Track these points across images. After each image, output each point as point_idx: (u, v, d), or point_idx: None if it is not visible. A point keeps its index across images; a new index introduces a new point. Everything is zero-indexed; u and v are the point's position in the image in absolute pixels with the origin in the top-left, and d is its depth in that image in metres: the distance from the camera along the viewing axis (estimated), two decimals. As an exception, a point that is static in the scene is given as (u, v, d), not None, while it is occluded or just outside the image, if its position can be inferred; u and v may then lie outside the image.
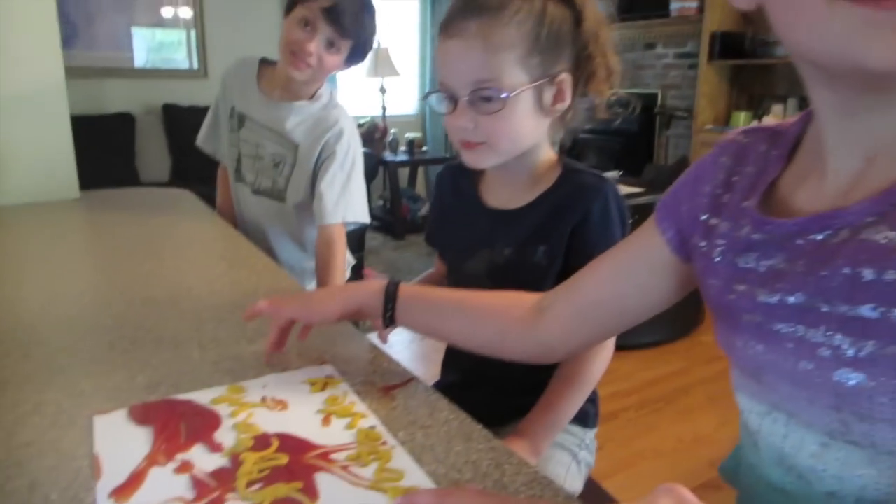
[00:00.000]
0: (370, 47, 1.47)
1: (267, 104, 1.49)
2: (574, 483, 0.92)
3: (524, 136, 0.85)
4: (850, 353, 0.44)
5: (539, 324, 0.74)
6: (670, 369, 2.59)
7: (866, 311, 0.43)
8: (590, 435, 0.99)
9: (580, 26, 0.83)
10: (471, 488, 0.56)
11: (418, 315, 0.80)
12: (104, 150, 4.04)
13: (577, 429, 0.96)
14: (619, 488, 1.04)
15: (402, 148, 4.96)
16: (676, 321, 2.85)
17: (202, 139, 1.66)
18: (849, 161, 0.47)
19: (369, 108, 5.16)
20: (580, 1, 0.83)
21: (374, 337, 0.91)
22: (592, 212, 0.85)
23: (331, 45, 1.38)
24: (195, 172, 3.35)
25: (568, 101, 0.85)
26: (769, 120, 3.98)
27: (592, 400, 1.00)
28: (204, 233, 1.56)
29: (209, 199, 1.79)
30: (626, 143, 4.85)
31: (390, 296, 0.79)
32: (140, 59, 4.60)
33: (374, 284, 0.80)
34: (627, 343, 2.75)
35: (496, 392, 0.96)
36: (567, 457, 0.93)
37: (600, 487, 1.03)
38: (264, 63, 1.54)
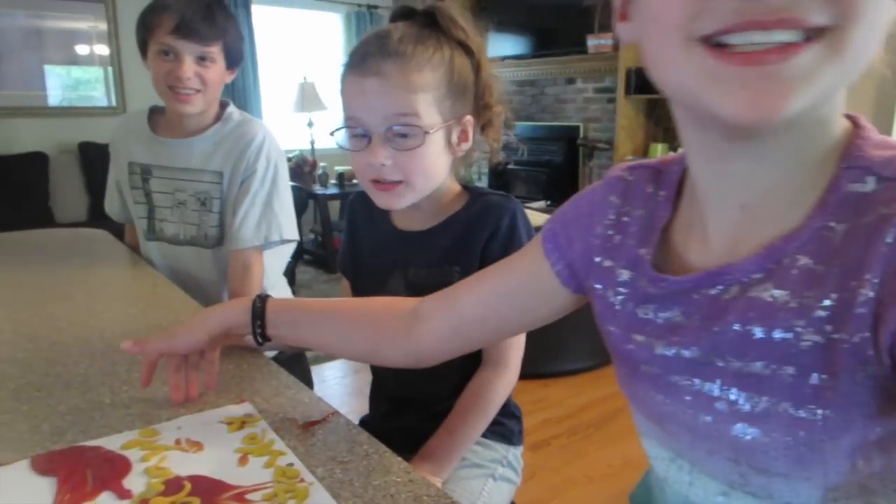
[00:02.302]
0: (242, 39, 1.38)
1: (172, 145, 1.39)
2: (493, 500, 0.93)
3: (437, 173, 0.88)
4: (746, 407, 0.45)
5: (413, 333, 0.74)
6: (599, 395, 2.64)
7: (758, 367, 0.44)
8: (514, 452, 1.00)
9: (479, 76, 0.89)
10: None
11: (289, 328, 0.79)
12: (16, 191, 3.87)
13: (499, 445, 0.98)
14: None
15: (333, 181, 4.94)
16: (603, 347, 2.91)
17: (109, 206, 1.58)
18: (725, 210, 0.48)
19: (298, 143, 5.14)
20: (478, 53, 0.89)
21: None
22: (501, 227, 0.88)
23: (202, 59, 1.29)
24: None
25: (471, 142, 0.90)
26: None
27: (517, 417, 1.03)
28: (119, 273, 1.50)
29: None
30: (553, 174, 5.00)
31: (258, 312, 0.78)
32: (55, 97, 4.45)
33: (241, 302, 0.79)
34: (556, 370, 2.80)
35: (424, 418, 0.96)
36: (483, 474, 0.94)
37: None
38: (155, 111, 1.46)
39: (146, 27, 1.29)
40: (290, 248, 1.46)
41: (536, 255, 0.65)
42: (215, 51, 1.30)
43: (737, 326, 0.45)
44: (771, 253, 0.45)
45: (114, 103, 4.64)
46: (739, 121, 0.39)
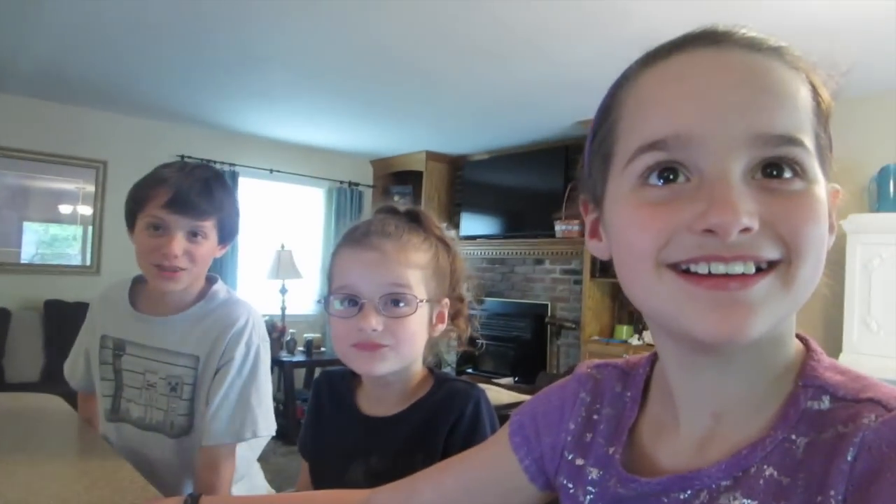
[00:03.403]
0: (238, 214, 1.31)
1: (150, 322, 1.29)
2: None
3: (418, 346, 0.92)
4: None
5: None
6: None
7: None
8: None
9: (454, 269, 0.97)
10: None
11: None
12: (-29, 345, 3.74)
13: None
14: None
15: (300, 348, 4.89)
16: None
17: (69, 372, 1.46)
18: (698, 418, 0.51)
19: (269, 308, 5.15)
20: (453, 250, 0.98)
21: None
22: (465, 414, 0.89)
23: (194, 235, 1.21)
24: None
25: (445, 324, 0.96)
26: (649, 335, 4.27)
27: None
28: (67, 444, 1.42)
29: None
30: (521, 351, 5.03)
31: None
32: (27, 253, 4.48)
33: (171, 501, 0.74)
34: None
35: None
36: None
37: None
38: (138, 280, 1.36)
39: (137, 200, 1.23)
40: (266, 438, 1.35)
41: (502, 450, 0.65)
42: (208, 226, 1.23)
43: None
44: (738, 461, 0.46)
45: (88, 262, 4.67)
46: (711, 339, 0.43)
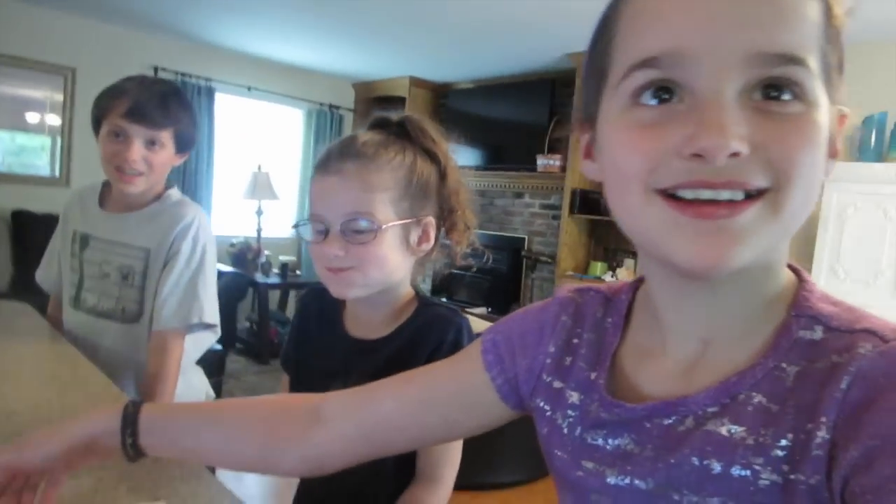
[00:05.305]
0: (195, 127, 1.42)
1: (111, 218, 1.42)
2: None
3: (392, 268, 0.89)
4: None
5: (312, 436, 0.67)
6: (531, 511, 2.57)
7: (715, 502, 0.44)
8: None
9: (444, 181, 0.93)
10: None
11: (167, 436, 0.68)
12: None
13: None
14: None
15: (276, 270, 4.88)
16: (535, 459, 2.84)
17: (42, 275, 1.56)
18: (685, 344, 0.51)
19: (244, 229, 5.10)
20: (444, 161, 0.93)
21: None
22: (445, 342, 0.88)
23: (151, 143, 1.32)
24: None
25: (432, 243, 0.92)
26: (622, 272, 4.34)
27: None
28: (37, 351, 1.41)
29: None
30: (495, 282, 5.08)
31: (129, 418, 0.67)
32: (-7, 161, 4.33)
33: (108, 409, 0.68)
34: (483, 482, 2.71)
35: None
36: None
37: None
38: (106, 184, 1.47)
39: (101, 107, 1.32)
40: (209, 338, 1.44)
41: (473, 366, 0.63)
42: (165, 136, 1.33)
43: (695, 460, 0.45)
44: (726, 388, 0.46)
45: (56, 174, 4.55)
46: (694, 267, 0.43)
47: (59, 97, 4.50)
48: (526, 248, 5.05)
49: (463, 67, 5.16)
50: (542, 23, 3.81)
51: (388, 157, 0.87)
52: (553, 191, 4.85)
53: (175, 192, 1.44)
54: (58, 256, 1.52)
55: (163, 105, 1.32)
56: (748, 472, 0.43)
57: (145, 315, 1.37)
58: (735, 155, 0.40)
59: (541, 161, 4.77)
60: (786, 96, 0.41)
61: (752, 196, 0.42)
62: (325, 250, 0.86)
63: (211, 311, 1.36)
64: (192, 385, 1.45)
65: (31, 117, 4.48)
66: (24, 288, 3.77)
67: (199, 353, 1.48)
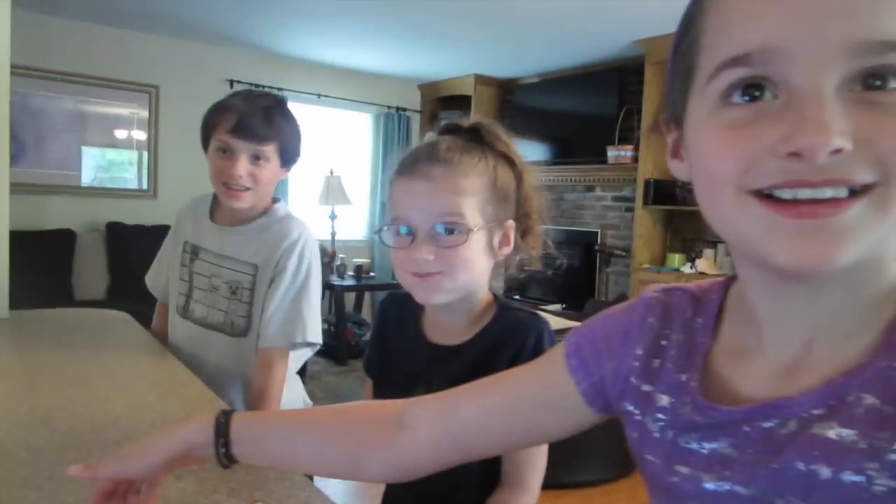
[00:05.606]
0: (299, 139, 1.43)
1: (221, 231, 1.44)
2: None
3: (478, 272, 0.90)
4: None
5: (398, 443, 0.67)
6: (614, 510, 2.53)
7: None
8: None
9: (520, 187, 0.93)
10: None
11: (257, 445, 0.70)
12: (41, 266, 3.95)
13: None
14: None
15: (350, 273, 4.99)
16: (618, 458, 2.80)
17: (152, 280, 1.61)
18: (787, 345, 0.48)
19: (319, 234, 5.23)
20: (520, 166, 0.94)
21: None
22: (526, 347, 0.87)
23: (256, 158, 1.34)
24: (134, 291, 3.26)
25: (512, 246, 0.92)
26: (702, 263, 4.20)
27: None
28: (137, 358, 1.49)
29: (148, 317, 1.71)
30: (569, 278, 5.01)
31: (221, 429, 0.69)
32: (87, 176, 4.62)
33: (202, 419, 0.71)
34: (566, 481, 2.68)
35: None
36: None
37: None
38: (217, 196, 1.48)
39: (208, 124, 1.36)
40: (309, 350, 1.45)
41: (557, 371, 0.62)
42: (270, 150, 1.35)
43: (800, 465, 0.43)
44: (833, 389, 0.44)
45: (144, 186, 4.80)
46: (795, 269, 0.41)
47: (145, 113, 4.76)
48: (599, 242, 4.96)
49: (527, 62, 5.12)
50: (606, 10, 3.74)
51: (473, 162, 0.88)
52: (625, 182, 4.75)
53: (282, 207, 1.46)
54: (167, 264, 1.55)
55: (267, 119, 1.34)
56: (862, 478, 0.41)
57: (253, 330, 1.39)
58: (837, 152, 0.38)
59: (611, 152, 4.68)
60: (892, 84, 0.39)
61: (857, 192, 0.39)
62: (412, 255, 0.86)
63: (314, 329, 1.37)
64: (292, 394, 1.47)
65: (120, 134, 4.75)
66: (121, 296, 4.02)
67: (298, 364, 1.50)
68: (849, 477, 0.41)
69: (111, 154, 4.75)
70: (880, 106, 0.39)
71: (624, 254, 4.66)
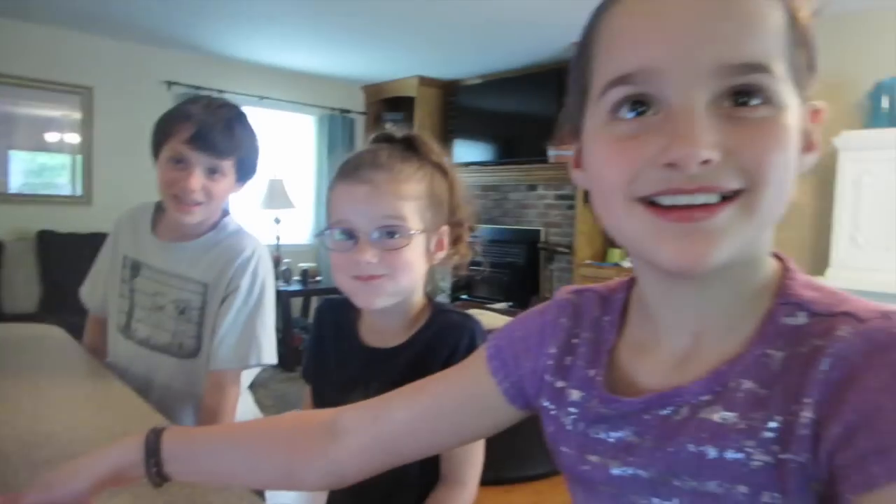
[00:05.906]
0: (258, 154, 1.35)
1: (165, 247, 1.35)
2: None
3: (416, 276, 0.93)
4: None
5: (331, 451, 0.69)
6: (564, 500, 2.59)
7: (712, 486, 0.47)
8: None
9: (452, 196, 0.97)
10: None
11: (190, 462, 0.71)
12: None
13: None
14: None
15: (296, 278, 4.94)
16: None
17: (87, 293, 1.52)
18: (678, 338, 0.53)
19: (263, 239, 5.15)
20: (452, 176, 0.98)
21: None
22: (459, 347, 0.90)
23: (212, 172, 1.25)
24: (67, 303, 3.13)
25: (446, 251, 0.96)
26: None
27: None
28: (69, 373, 1.44)
29: (81, 329, 1.64)
30: (514, 276, 5.08)
31: (152, 447, 0.69)
32: (16, 182, 4.42)
33: (131, 440, 0.71)
34: (516, 475, 2.73)
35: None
36: None
37: None
38: (159, 207, 1.40)
39: (162, 131, 1.26)
40: (258, 368, 1.40)
41: (480, 373, 0.66)
42: (227, 164, 1.27)
43: (691, 447, 0.48)
44: (717, 377, 0.49)
45: (79, 192, 4.63)
46: (677, 267, 0.46)
47: (78, 115, 4.58)
48: (542, 239, 5.05)
49: (470, 63, 5.17)
50: (546, 12, 3.81)
51: (413, 169, 0.91)
52: (566, 181, 4.83)
53: (232, 221, 1.39)
54: (104, 277, 1.47)
55: (228, 131, 1.25)
56: (741, 455, 0.45)
57: (203, 350, 1.32)
58: (706, 162, 0.43)
59: (552, 152, 4.76)
60: (754, 101, 0.44)
61: (727, 198, 0.44)
62: (355, 258, 0.88)
63: (269, 350, 1.32)
64: (244, 407, 1.44)
65: (51, 137, 4.56)
66: (53, 309, 3.86)
67: (249, 380, 1.46)
68: (731, 455, 0.46)
69: (42, 158, 4.57)
70: (745, 120, 0.44)
71: (566, 250, 4.76)
